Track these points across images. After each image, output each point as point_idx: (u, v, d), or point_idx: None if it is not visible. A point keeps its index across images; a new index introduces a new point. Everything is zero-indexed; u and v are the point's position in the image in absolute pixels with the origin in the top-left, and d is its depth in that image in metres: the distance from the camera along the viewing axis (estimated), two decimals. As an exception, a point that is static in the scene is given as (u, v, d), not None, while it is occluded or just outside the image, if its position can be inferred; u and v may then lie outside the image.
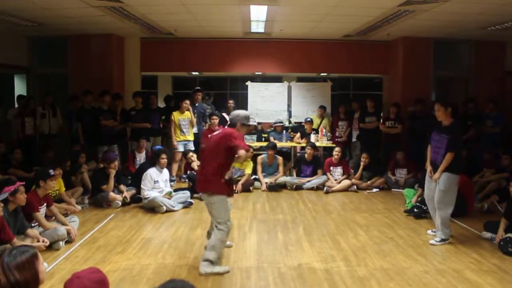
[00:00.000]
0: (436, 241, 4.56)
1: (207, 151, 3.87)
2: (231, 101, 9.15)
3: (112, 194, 6.01)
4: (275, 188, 7.25)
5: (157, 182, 6.03)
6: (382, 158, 8.12)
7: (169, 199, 5.94)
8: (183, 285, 1.60)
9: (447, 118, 4.55)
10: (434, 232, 4.73)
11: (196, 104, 8.10)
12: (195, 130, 7.81)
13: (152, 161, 6.27)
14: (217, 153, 3.73)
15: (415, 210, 5.57)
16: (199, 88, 8.83)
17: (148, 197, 5.83)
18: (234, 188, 6.07)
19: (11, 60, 8.00)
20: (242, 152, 3.56)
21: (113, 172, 6.06)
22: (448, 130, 4.51)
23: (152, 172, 6.04)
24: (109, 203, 5.98)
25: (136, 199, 6.21)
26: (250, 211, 5.93)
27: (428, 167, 4.69)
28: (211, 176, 3.75)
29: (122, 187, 6.25)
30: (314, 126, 8.52)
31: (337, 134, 8.48)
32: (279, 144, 8.16)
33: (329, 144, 8.14)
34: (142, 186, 5.94)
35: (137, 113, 7.73)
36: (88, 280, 1.79)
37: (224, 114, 8.82)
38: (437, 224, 4.58)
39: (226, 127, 4.04)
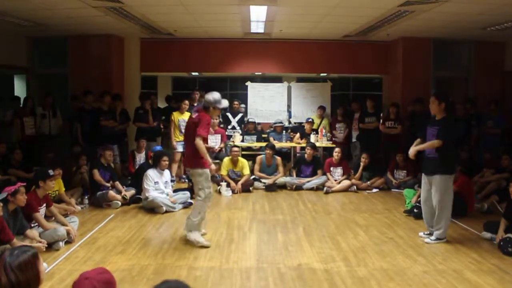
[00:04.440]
0: (431, 239, 4.58)
1: (188, 133, 4.57)
2: (236, 102, 9.14)
3: (111, 192, 6.02)
4: (272, 188, 7.25)
5: (157, 183, 6.03)
6: (382, 158, 8.12)
7: (174, 202, 5.94)
8: (178, 285, 1.59)
9: (439, 112, 4.57)
10: (426, 234, 4.74)
11: (195, 104, 8.10)
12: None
13: (154, 162, 6.26)
14: (193, 134, 4.36)
15: (415, 210, 5.57)
16: (196, 88, 8.86)
17: (150, 197, 5.82)
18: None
19: (11, 60, 8.00)
20: (197, 140, 4.30)
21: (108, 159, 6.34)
22: (439, 123, 4.54)
23: (151, 173, 6.04)
24: (109, 203, 5.99)
25: (136, 199, 6.21)
26: (250, 211, 5.93)
27: (412, 149, 4.71)
28: (192, 155, 4.42)
29: (119, 185, 6.27)
30: (314, 126, 8.52)
31: (335, 137, 8.45)
32: (279, 145, 8.16)
33: (329, 144, 8.14)
34: (145, 186, 5.93)
35: (144, 112, 7.74)
36: (98, 281, 1.77)
37: (228, 114, 8.83)
38: (438, 222, 4.59)
39: (201, 111, 4.56)
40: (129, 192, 6.27)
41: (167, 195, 6.02)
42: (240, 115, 8.88)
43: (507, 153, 6.58)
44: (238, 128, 8.69)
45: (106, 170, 6.31)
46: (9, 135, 7.32)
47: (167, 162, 6.20)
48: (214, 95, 4.48)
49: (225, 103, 4.56)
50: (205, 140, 4.47)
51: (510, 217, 4.43)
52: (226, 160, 7.29)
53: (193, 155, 4.44)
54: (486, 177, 6.59)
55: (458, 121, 7.23)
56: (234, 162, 7.25)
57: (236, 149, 7.31)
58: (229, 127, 8.67)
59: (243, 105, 9.52)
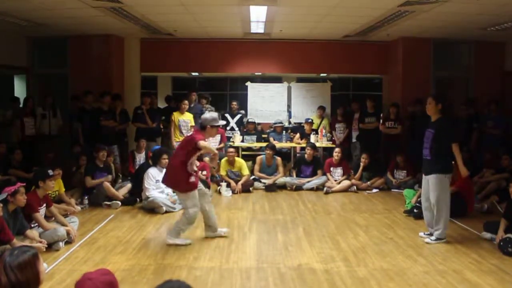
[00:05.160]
0: (431, 239, 4.58)
1: (175, 151, 4.66)
2: (234, 103, 9.14)
3: (106, 183, 6.02)
4: (272, 188, 7.25)
5: (158, 182, 6.02)
6: (381, 159, 8.12)
7: (174, 202, 5.95)
8: (180, 285, 1.60)
9: (435, 113, 4.58)
10: (427, 234, 4.74)
11: (192, 105, 8.09)
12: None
13: (154, 161, 6.27)
14: (179, 154, 4.43)
15: (415, 210, 5.57)
16: (193, 89, 8.87)
17: (150, 197, 5.83)
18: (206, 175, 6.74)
19: (11, 60, 8.00)
20: (202, 143, 4.29)
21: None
22: (434, 125, 4.55)
23: (152, 171, 6.05)
24: (109, 203, 5.98)
25: (131, 200, 6.16)
26: (250, 211, 5.93)
27: None
28: (178, 176, 4.39)
29: (110, 177, 6.29)
30: (314, 126, 8.52)
31: (333, 138, 8.45)
32: (279, 145, 8.16)
33: (329, 144, 8.14)
34: (145, 185, 5.93)
35: (143, 112, 7.73)
36: (100, 282, 1.78)
37: (227, 115, 8.83)
38: (437, 222, 4.59)
39: (198, 128, 4.68)
40: (126, 186, 6.26)
41: (167, 195, 6.02)
42: (238, 116, 8.88)
43: (507, 153, 6.58)
44: (237, 129, 8.68)
45: (103, 171, 6.31)
46: (9, 135, 7.32)
47: (167, 160, 6.19)
48: (212, 114, 4.61)
49: (221, 122, 4.65)
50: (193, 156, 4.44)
51: (510, 217, 4.43)
52: (223, 161, 7.31)
53: (175, 176, 4.44)
54: (486, 177, 6.59)
55: (459, 122, 7.23)
56: (231, 163, 7.26)
57: (231, 149, 7.32)
58: (228, 128, 8.67)
59: (242, 111, 9.50)
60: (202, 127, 4.51)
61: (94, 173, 6.19)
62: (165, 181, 4.66)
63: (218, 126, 4.56)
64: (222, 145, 7.93)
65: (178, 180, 4.42)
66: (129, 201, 6.18)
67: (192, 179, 4.42)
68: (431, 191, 4.57)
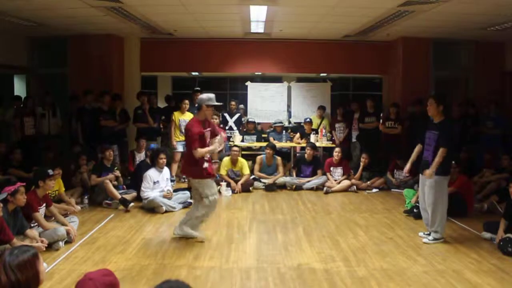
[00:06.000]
0: (429, 239, 4.59)
1: (186, 141, 4.66)
2: (233, 102, 9.14)
3: (107, 181, 5.99)
4: (272, 188, 7.25)
5: (157, 183, 6.02)
6: (382, 159, 8.12)
7: (169, 198, 5.93)
8: (179, 285, 1.60)
9: (437, 115, 4.57)
10: (426, 234, 4.74)
11: (196, 105, 8.07)
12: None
13: (152, 161, 6.26)
14: (188, 143, 4.51)
15: (415, 210, 5.57)
16: (198, 88, 8.83)
17: (147, 198, 5.83)
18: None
19: (11, 60, 8.00)
20: (195, 152, 4.30)
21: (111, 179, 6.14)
22: (437, 127, 4.54)
23: (151, 173, 6.04)
24: (109, 202, 5.98)
25: (122, 200, 6.03)
26: (250, 211, 5.93)
27: (407, 165, 4.86)
28: (191, 164, 4.43)
29: (112, 176, 6.25)
30: (314, 126, 8.52)
31: (333, 138, 8.45)
32: (279, 145, 8.16)
33: (329, 144, 8.14)
34: (142, 188, 5.93)
35: (143, 112, 7.73)
36: (101, 283, 1.77)
37: (226, 115, 8.82)
38: (433, 223, 4.59)
39: (196, 111, 4.69)
40: (131, 195, 6.25)
41: (162, 191, 6.01)
42: (237, 115, 8.88)
43: (507, 153, 6.58)
44: (235, 128, 8.68)
45: (109, 171, 6.28)
46: (9, 135, 7.32)
47: (164, 160, 6.18)
48: (208, 94, 4.57)
49: (217, 102, 4.59)
50: (202, 142, 4.41)
51: (510, 217, 4.43)
52: (226, 159, 7.30)
53: (190, 164, 4.48)
54: (486, 177, 6.59)
55: (454, 122, 7.23)
56: (233, 162, 7.26)
57: (236, 148, 7.32)
58: (226, 127, 8.66)
59: (241, 106, 9.49)
60: (198, 107, 4.52)
61: (100, 172, 6.19)
62: (184, 171, 5.08)
63: (214, 105, 4.53)
64: (223, 145, 7.89)
65: (191, 167, 4.48)
66: (122, 201, 5.96)
67: (205, 165, 4.44)
68: (428, 192, 4.57)
